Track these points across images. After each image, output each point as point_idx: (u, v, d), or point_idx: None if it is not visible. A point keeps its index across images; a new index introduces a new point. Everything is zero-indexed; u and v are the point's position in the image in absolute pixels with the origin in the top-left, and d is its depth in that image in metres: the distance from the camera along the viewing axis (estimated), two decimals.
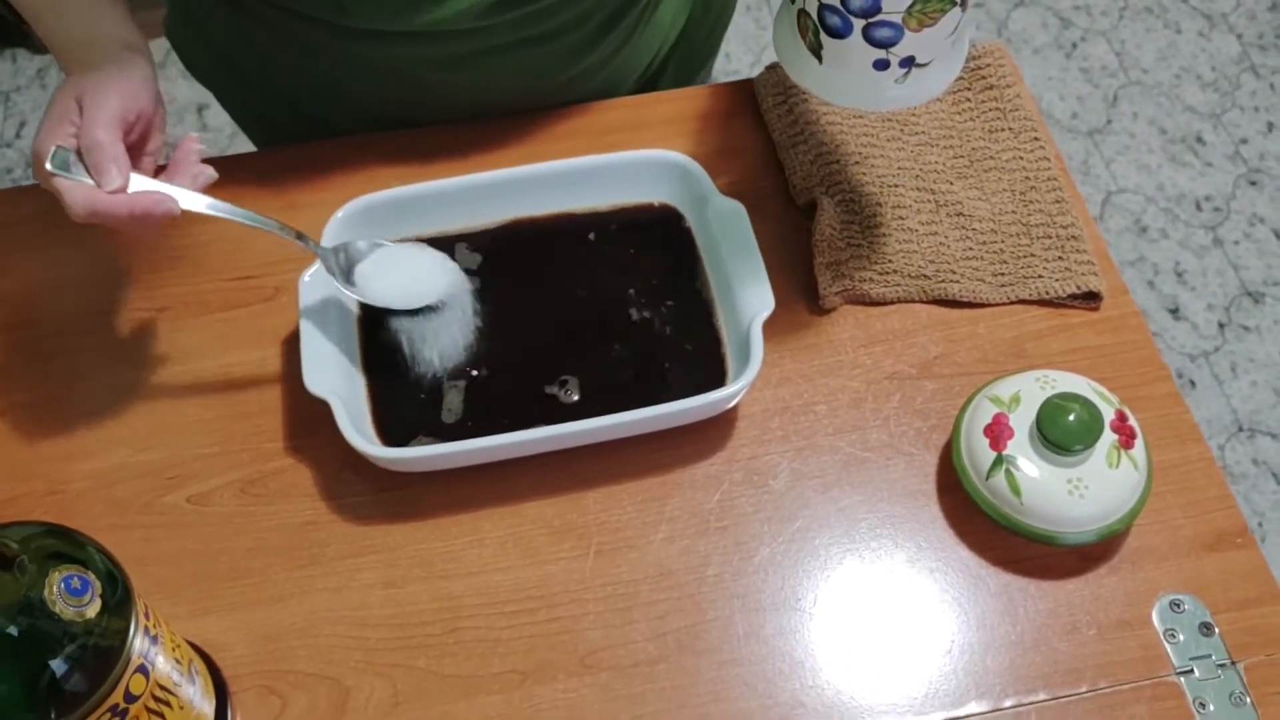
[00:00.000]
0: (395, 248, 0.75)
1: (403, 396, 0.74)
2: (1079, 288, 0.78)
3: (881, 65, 0.64)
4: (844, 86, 0.67)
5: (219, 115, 1.98)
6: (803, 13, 0.65)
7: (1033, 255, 0.80)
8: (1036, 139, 0.85)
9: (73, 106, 0.65)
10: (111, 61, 0.67)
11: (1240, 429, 1.69)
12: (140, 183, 0.65)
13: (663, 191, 0.81)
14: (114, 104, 0.65)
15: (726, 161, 0.85)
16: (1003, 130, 0.85)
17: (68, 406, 0.76)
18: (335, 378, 0.71)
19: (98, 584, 0.52)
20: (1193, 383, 1.74)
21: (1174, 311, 1.80)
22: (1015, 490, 0.68)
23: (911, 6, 0.61)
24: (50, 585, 0.50)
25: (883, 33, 0.62)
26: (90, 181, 0.63)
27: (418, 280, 0.74)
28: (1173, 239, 1.87)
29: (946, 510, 0.72)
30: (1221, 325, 1.79)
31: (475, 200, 0.79)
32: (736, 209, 0.77)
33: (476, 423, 0.72)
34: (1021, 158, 0.84)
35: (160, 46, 2.08)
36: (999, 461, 0.68)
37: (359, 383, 0.74)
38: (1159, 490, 0.72)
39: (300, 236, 0.71)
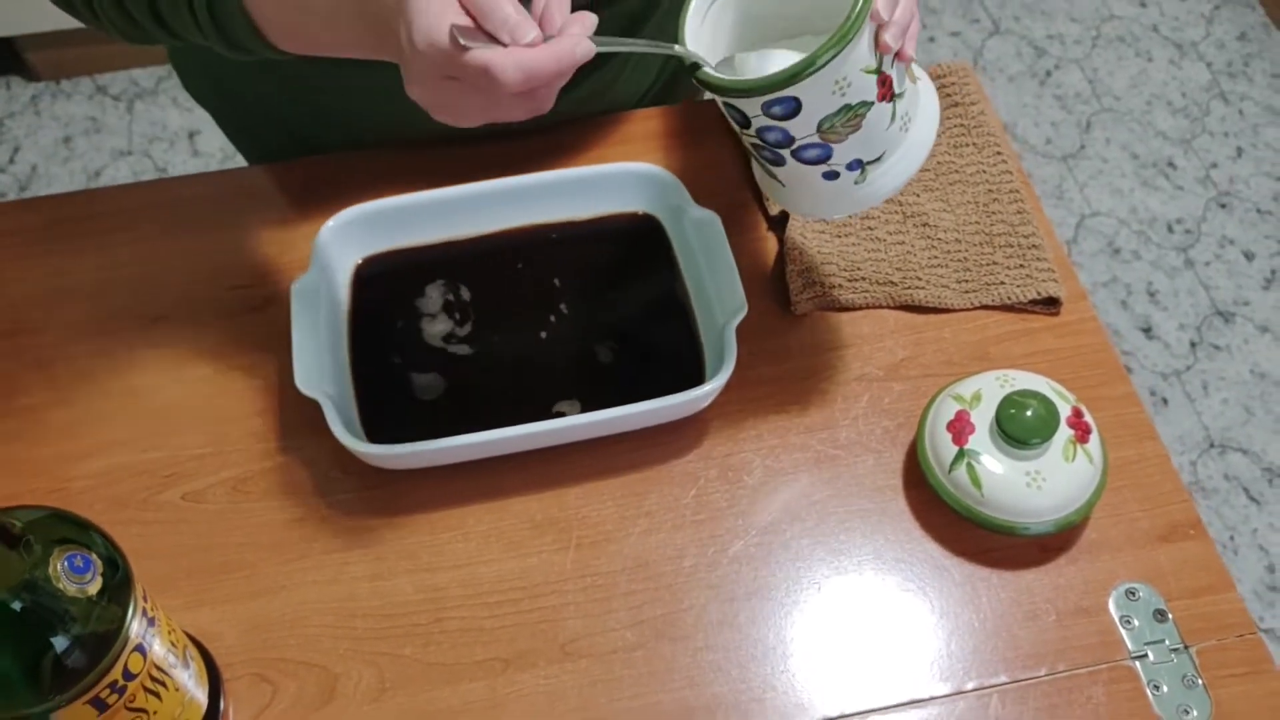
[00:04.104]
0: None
1: (390, 397, 0.77)
2: (1039, 293, 0.82)
3: (831, 176, 0.63)
4: (812, 201, 0.66)
5: (211, 141, 2.02)
6: (751, 149, 0.65)
7: (995, 263, 0.84)
8: (999, 153, 0.88)
9: None
10: None
11: (1212, 445, 1.73)
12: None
13: (642, 202, 0.84)
14: None
15: (703, 174, 0.88)
16: (967, 145, 0.89)
17: (69, 410, 0.78)
18: (325, 379, 0.74)
19: (99, 564, 0.54)
20: (1165, 400, 1.77)
21: (1147, 331, 1.84)
22: (976, 483, 0.71)
23: (821, 126, 0.59)
24: (54, 563, 0.53)
25: (811, 153, 0.61)
26: (499, 47, 0.54)
27: None
28: (1145, 260, 1.92)
29: (913, 504, 0.75)
30: (1193, 344, 1.83)
31: (463, 210, 0.82)
32: (712, 219, 0.80)
33: (461, 421, 0.75)
34: (985, 171, 0.88)
35: (153, 74, 2.12)
36: (961, 456, 0.71)
37: (347, 384, 0.77)
38: (1115, 484, 0.75)
39: (697, 55, 0.62)
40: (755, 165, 0.68)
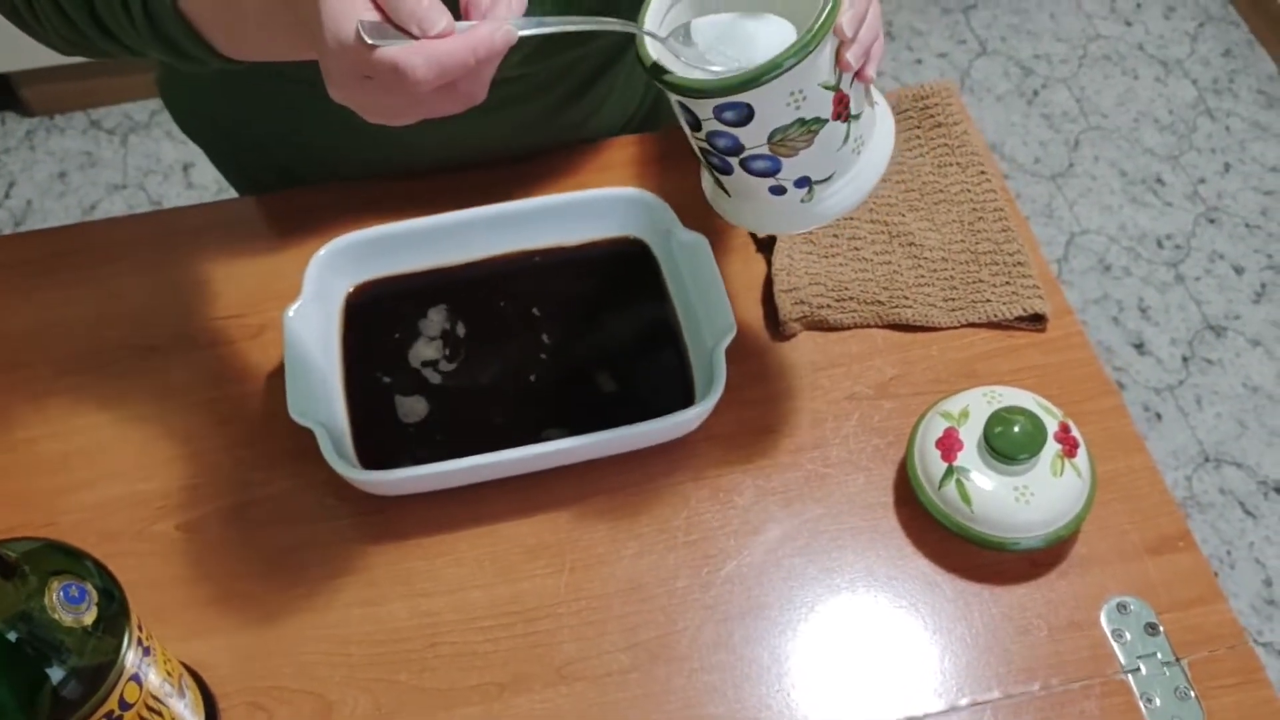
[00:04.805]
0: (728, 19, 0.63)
1: (382, 424, 0.78)
2: (1025, 310, 0.83)
3: (778, 191, 0.62)
4: (755, 214, 0.65)
5: (204, 173, 2.03)
6: (700, 153, 0.64)
7: (981, 281, 0.84)
8: (983, 172, 0.89)
9: None
10: None
11: (1206, 459, 1.74)
12: (459, 26, 0.53)
13: (629, 226, 0.85)
14: None
15: (689, 197, 0.88)
16: (951, 165, 0.90)
17: (63, 442, 0.79)
18: (318, 407, 0.75)
19: (94, 594, 0.55)
20: (1159, 415, 1.78)
21: (1139, 346, 1.85)
22: (966, 499, 0.71)
23: (772, 137, 0.58)
24: (50, 594, 0.53)
25: (759, 164, 0.60)
26: (410, 41, 0.51)
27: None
28: (1136, 276, 1.93)
29: (904, 521, 0.75)
30: (1185, 359, 1.84)
31: (452, 237, 0.83)
32: (699, 241, 0.81)
33: (453, 446, 0.76)
34: (969, 190, 0.89)
35: (146, 107, 2.13)
36: (950, 472, 0.72)
37: (340, 412, 0.78)
38: (1104, 498, 0.75)
39: (639, 28, 0.60)
40: (704, 173, 0.67)
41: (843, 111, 0.59)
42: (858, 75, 0.59)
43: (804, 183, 0.61)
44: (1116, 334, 1.86)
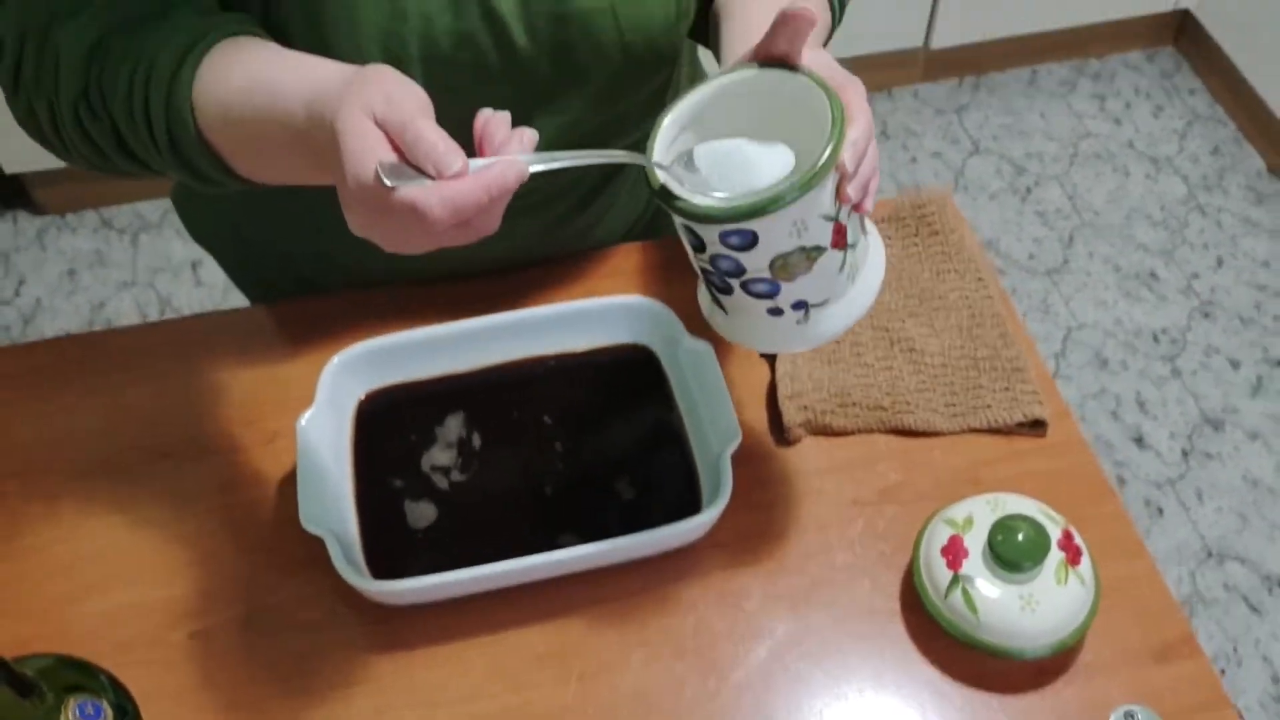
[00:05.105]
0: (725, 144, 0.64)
1: (393, 531, 0.78)
2: (1025, 416, 0.84)
3: (775, 312, 0.64)
4: (751, 332, 0.67)
5: (213, 272, 2.06)
6: (700, 271, 0.66)
7: (981, 386, 0.86)
8: (980, 279, 0.92)
9: (367, 123, 0.55)
10: (354, 71, 0.59)
11: (1209, 554, 1.73)
12: (473, 164, 0.55)
13: (636, 333, 0.87)
14: (411, 96, 0.56)
15: (694, 305, 0.90)
16: (949, 272, 0.92)
17: (74, 549, 0.79)
18: (330, 515, 0.76)
19: (109, 711, 0.55)
20: (1161, 510, 1.78)
21: (1138, 441, 1.86)
22: (973, 608, 0.72)
23: (773, 262, 0.60)
24: (66, 712, 0.54)
25: (759, 287, 0.62)
26: (426, 181, 0.54)
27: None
28: (1133, 370, 1.95)
29: (910, 628, 0.76)
30: (1185, 453, 1.85)
31: (462, 345, 0.85)
32: (705, 349, 0.83)
33: (463, 554, 0.76)
34: (967, 297, 0.91)
35: (158, 206, 2.17)
36: (956, 581, 0.73)
37: (351, 519, 0.78)
38: (1108, 604, 0.76)
39: (646, 160, 0.63)
40: (701, 288, 0.69)
41: (840, 240, 0.61)
42: (855, 207, 0.61)
43: (801, 306, 0.63)
44: (1116, 428, 1.87)
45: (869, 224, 0.66)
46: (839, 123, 0.58)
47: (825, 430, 0.85)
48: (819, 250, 0.60)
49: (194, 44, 0.64)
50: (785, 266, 0.60)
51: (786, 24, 0.59)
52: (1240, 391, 1.92)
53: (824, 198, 0.59)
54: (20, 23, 0.66)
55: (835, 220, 0.60)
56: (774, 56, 0.62)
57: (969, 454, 0.84)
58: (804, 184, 0.57)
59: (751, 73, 0.63)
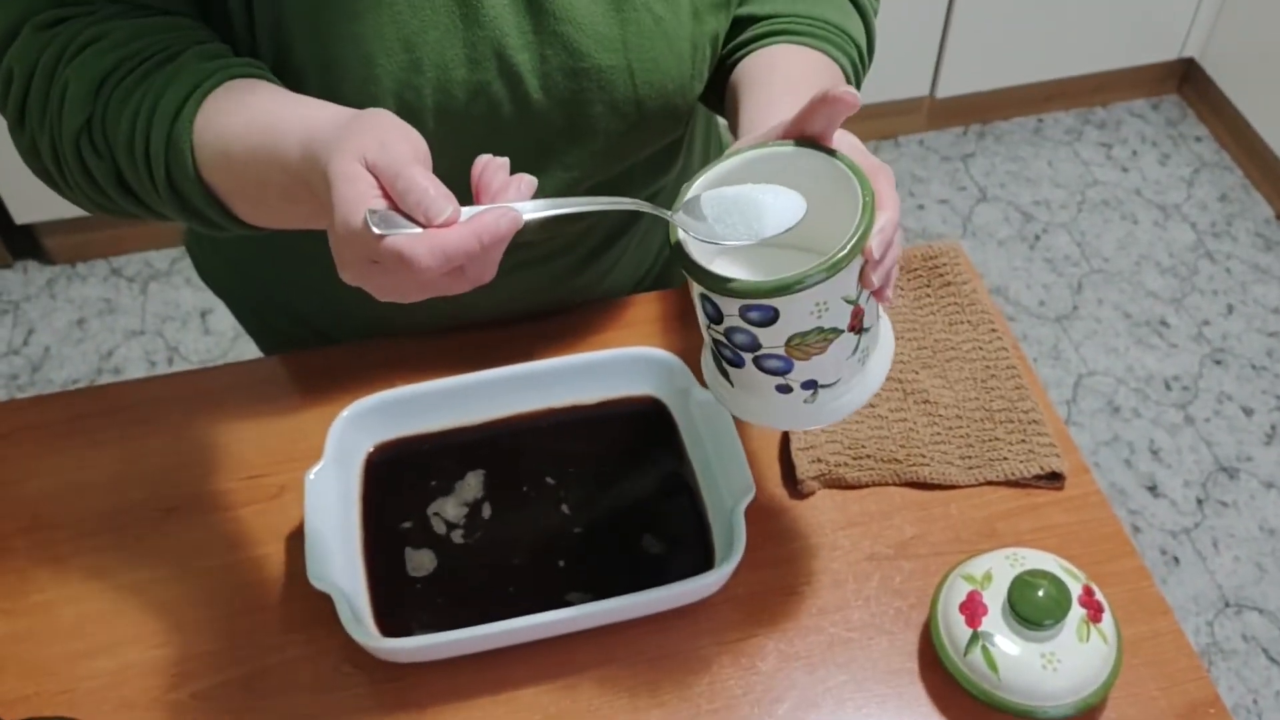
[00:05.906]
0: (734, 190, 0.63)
1: (401, 587, 0.77)
2: (1042, 469, 0.83)
3: (784, 390, 0.64)
4: (757, 408, 0.66)
5: (223, 319, 2.06)
6: (711, 341, 0.66)
7: (997, 439, 0.85)
8: (994, 330, 0.91)
9: (359, 168, 0.54)
10: (351, 115, 0.58)
11: (1227, 605, 1.71)
12: (466, 211, 0.54)
13: (647, 385, 0.86)
14: (405, 142, 0.55)
15: None
16: (962, 323, 0.92)
17: (80, 606, 0.78)
18: (337, 571, 0.75)
19: None
20: (1177, 559, 1.76)
21: (1152, 489, 1.84)
22: (993, 666, 0.70)
23: (790, 340, 0.60)
24: None
25: (771, 364, 0.62)
26: (416, 229, 0.53)
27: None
28: (1145, 418, 1.93)
29: (930, 688, 0.74)
30: (1200, 501, 1.83)
31: (472, 397, 0.84)
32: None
33: (472, 610, 0.75)
34: (981, 348, 0.90)
35: (168, 255, 2.18)
36: (975, 638, 0.71)
37: (360, 575, 0.77)
38: (1131, 663, 0.74)
39: (655, 208, 0.62)
40: (707, 358, 0.68)
41: (857, 324, 0.61)
42: (875, 294, 0.61)
43: (810, 385, 0.63)
44: (1129, 476, 1.86)
45: (882, 311, 0.66)
46: (869, 208, 0.58)
47: (839, 483, 0.84)
48: (836, 332, 0.60)
49: (200, 84, 0.64)
50: (801, 345, 0.60)
51: (826, 104, 0.59)
52: (1254, 439, 1.90)
53: (849, 281, 0.59)
54: (31, 57, 0.66)
55: (855, 304, 0.60)
56: (806, 134, 0.62)
57: (986, 507, 0.83)
58: (832, 266, 0.57)
59: (787, 149, 0.62)
